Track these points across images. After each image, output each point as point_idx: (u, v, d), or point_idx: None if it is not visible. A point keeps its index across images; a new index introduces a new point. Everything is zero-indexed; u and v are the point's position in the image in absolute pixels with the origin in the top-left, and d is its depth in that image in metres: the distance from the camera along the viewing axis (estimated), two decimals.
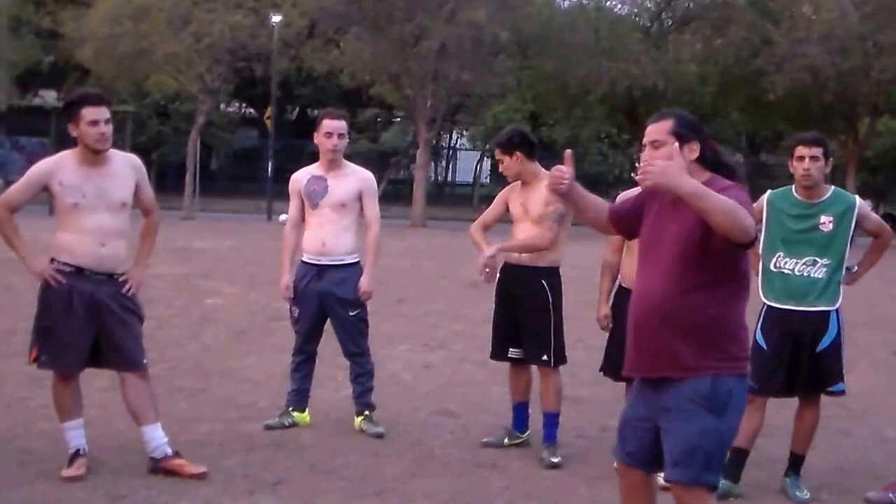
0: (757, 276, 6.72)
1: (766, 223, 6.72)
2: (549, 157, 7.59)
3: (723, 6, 39.34)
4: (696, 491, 4.59)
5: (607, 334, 7.25)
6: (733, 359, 4.58)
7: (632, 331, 4.76)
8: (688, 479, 4.56)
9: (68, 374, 6.59)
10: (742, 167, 48.57)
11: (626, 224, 4.99)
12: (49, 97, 47.74)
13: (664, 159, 4.47)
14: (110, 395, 7.51)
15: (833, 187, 6.76)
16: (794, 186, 6.70)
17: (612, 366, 7.12)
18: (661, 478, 4.86)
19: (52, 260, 6.44)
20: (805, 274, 6.58)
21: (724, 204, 4.22)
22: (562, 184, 4.73)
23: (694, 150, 4.64)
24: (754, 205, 6.78)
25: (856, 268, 6.78)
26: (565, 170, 4.74)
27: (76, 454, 6.53)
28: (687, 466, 4.54)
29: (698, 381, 4.52)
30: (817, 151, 6.58)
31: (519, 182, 7.45)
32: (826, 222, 6.59)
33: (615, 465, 6.97)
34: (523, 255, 7.32)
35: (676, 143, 4.55)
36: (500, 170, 7.49)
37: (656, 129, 4.67)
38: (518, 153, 7.33)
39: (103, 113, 6.37)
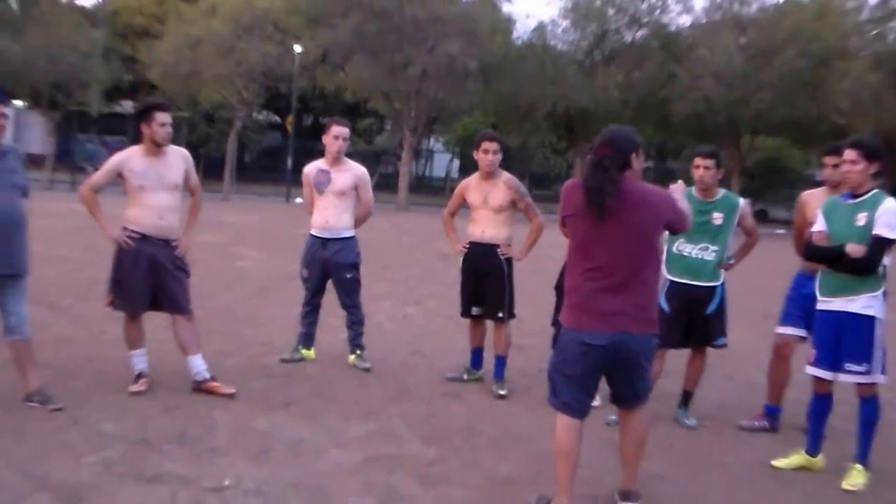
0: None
1: None
2: (505, 158, 7.54)
3: (639, 48, 39.44)
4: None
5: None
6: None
7: None
8: None
9: (134, 314, 6.66)
10: (651, 172, 48.89)
11: None
12: (127, 106, 47.56)
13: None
14: (165, 332, 7.48)
15: (724, 190, 6.77)
16: (693, 188, 6.68)
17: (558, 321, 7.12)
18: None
19: (124, 228, 6.50)
20: (700, 256, 6.59)
21: None
22: None
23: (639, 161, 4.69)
24: None
25: (732, 260, 6.78)
26: None
27: (140, 375, 6.65)
28: None
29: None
30: (710, 162, 6.58)
31: (473, 179, 7.43)
32: (717, 217, 6.60)
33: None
34: (486, 233, 7.30)
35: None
36: (486, 158, 7.19)
37: None
38: (502, 150, 7.34)
39: (168, 117, 6.46)
